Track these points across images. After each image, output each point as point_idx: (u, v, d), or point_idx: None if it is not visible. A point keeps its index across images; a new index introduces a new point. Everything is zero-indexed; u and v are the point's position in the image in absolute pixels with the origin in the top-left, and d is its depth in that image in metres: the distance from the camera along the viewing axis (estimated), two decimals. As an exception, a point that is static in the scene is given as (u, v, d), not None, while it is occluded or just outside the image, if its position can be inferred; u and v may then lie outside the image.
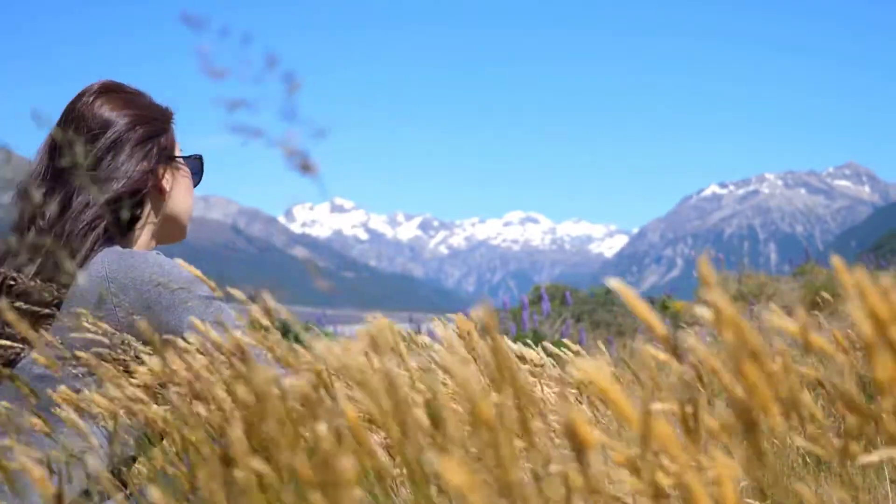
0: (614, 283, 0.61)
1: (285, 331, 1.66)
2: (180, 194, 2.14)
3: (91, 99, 2.03)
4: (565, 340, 2.01)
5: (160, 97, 2.16)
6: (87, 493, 1.69)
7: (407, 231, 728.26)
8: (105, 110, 2.02)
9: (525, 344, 1.85)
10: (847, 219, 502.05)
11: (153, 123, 2.06)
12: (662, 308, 12.74)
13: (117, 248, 1.92)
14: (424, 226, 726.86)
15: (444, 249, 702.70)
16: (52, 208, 1.92)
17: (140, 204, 2.03)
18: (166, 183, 2.08)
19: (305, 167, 0.84)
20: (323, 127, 0.83)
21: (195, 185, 2.22)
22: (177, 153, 2.14)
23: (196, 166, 2.21)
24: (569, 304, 11.50)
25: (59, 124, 2.03)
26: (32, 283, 1.83)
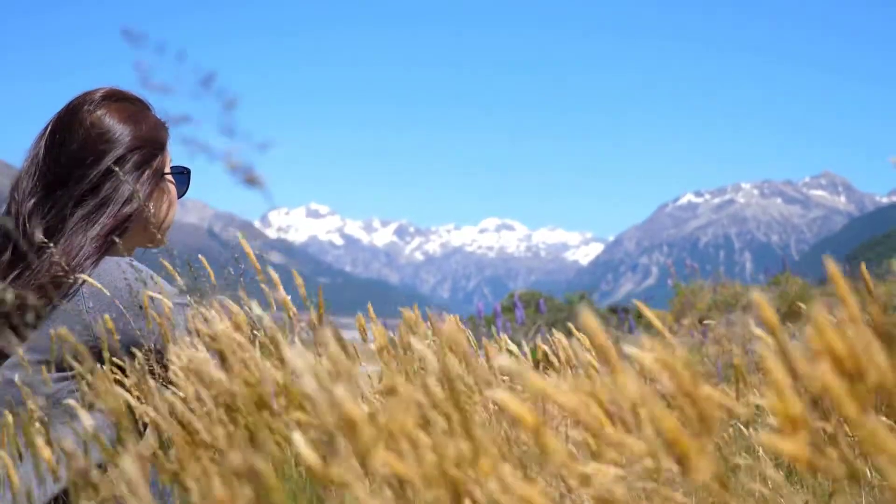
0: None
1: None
2: (165, 208, 2.10)
3: (94, 108, 1.98)
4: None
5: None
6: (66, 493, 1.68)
7: (382, 237, 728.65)
8: (108, 123, 1.97)
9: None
10: (823, 228, 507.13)
11: (152, 146, 2.02)
12: (637, 317, 12.79)
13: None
14: (400, 232, 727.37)
15: (419, 256, 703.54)
16: (40, 227, 1.88)
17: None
18: (152, 203, 2.04)
19: (251, 180, 0.84)
20: (265, 141, 0.83)
21: (181, 196, 2.18)
22: (167, 166, 2.10)
23: (183, 178, 2.18)
24: (542, 312, 11.51)
25: (57, 128, 1.97)
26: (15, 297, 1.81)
